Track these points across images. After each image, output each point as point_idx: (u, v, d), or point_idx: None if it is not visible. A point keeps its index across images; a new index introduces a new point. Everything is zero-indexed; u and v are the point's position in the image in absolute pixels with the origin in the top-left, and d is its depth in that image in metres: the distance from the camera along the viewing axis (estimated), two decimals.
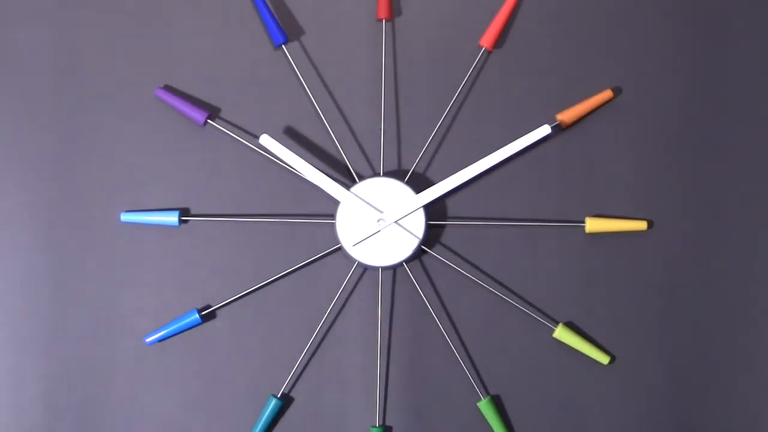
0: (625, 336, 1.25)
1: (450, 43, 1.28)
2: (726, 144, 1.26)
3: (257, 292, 1.25)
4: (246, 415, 1.24)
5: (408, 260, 1.23)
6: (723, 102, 1.27)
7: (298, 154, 1.21)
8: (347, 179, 1.26)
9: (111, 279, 1.25)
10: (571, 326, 1.25)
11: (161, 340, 1.24)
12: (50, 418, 1.24)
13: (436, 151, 1.27)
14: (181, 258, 1.25)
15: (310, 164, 1.21)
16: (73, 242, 1.25)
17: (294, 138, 1.27)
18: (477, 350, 1.25)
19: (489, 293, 1.24)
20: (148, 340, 1.23)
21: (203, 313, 1.24)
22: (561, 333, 1.23)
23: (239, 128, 1.26)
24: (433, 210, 1.25)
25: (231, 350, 1.24)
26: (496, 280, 1.25)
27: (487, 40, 1.26)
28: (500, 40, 1.27)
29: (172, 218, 1.24)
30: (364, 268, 1.25)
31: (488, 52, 1.27)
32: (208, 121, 1.25)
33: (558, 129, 1.26)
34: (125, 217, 1.24)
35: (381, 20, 1.27)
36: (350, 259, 1.24)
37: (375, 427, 1.23)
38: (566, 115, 1.25)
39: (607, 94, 1.25)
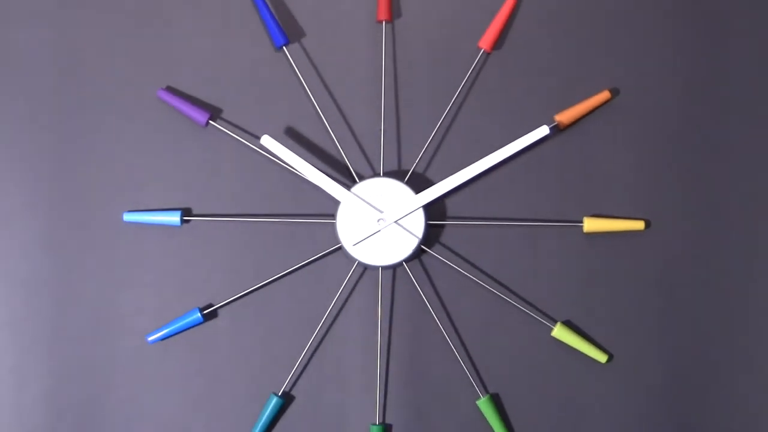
0: (623, 335, 1.25)
1: (449, 44, 1.28)
2: (724, 144, 1.26)
3: (258, 291, 1.25)
4: (247, 413, 1.24)
5: (408, 260, 1.24)
6: (721, 102, 1.27)
7: (298, 155, 1.21)
8: (347, 179, 1.26)
9: (113, 278, 1.25)
10: (569, 325, 1.25)
11: (163, 339, 1.24)
12: (52, 417, 1.24)
13: (435, 152, 1.27)
14: (182, 257, 1.25)
15: (311, 164, 1.21)
16: (75, 242, 1.25)
17: (295, 138, 1.27)
18: (476, 349, 1.25)
19: (488, 292, 1.25)
20: (150, 339, 1.23)
21: (205, 312, 1.24)
22: (559, 332, 1.23)
23: (240, 129, 1.27)
24: (433, 210, 1.25)
25: (232, 349, 1.25)
26: (495, 280, 1.25)
27: (486, 42, 1.26)
28: (499, 42, 1.28)
29: (173, 218, 1.24)
30: (365, 268, 1.26)
31: (487, 54, 1.27)
32: (210, 121, 1.25)
33: (556, 130, 1.26)
34: (127, 217, 1.24)
35: (381, 22, 1.27)
36: (350, 259, 1.24)
37: (375, 425, 1.23)
38: (564, 116, 1.25)
39: (605, 95, 1.25)
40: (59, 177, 1.26)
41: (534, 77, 1.27)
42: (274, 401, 1.22)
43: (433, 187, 1.22)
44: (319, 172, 1.20)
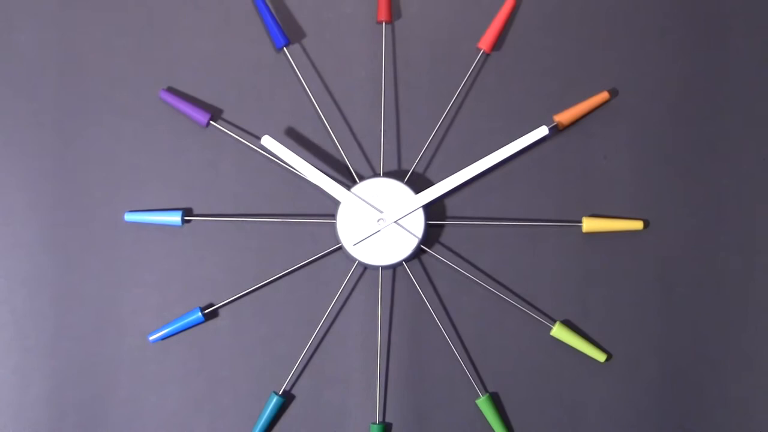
0: (622, 334, 1.25)
1: (449, 45, 1.28)
2: (722, 144, 1.27)
3: (259, 290, 1.25)
4: (248, 412, 1.24)
5: (407, 259, 1.24)
6: (718, 103, 1.27)
7: (299, 155, 1.21)
8: (348, 179, 1.26)
9: (114, 278, 1.25)
10: (568, 324, 1.25)
11: (164, 338, 1.24)
12: (55, 415, 1.24)
13: (435, 152, 1.27)
14: (183, 257, 1.25)
15: (311, 165, 1.21)
16: (77, 242, 1.25)
17: (295, 139, 1.27)
18: (475, 348, 1.25)
19: (487, 292, 1.25)
20: (152, 338, 1.23)
21: (206, 311, 1.24)
22: (558, 331, 1.23)
23: (241, 129, 1.27)
24: (433, 210, 1.25)
25: (233, 348, 1.25)
26: (494, 279, 1.26)
27: (485, 43, 1.27)
28: (498, 43, 1.28)
29: (175, 218, 1.24)
30: (365, 268, 1.26)
31: (486, 55, 1.28)
32: (211, 122, 1.26)
33: (555, 130, 1.26)
34: (129, 216, 1.24)
35: (381, 23, 1.27)
36: (351, 259, 1.24)
37: (375, 423, 1.23)
38: (564, 117, 1.25)
39: (603, 96, 1.26)
40: (61, 177, 1.26)
41: (533, 78, 1.28)
42: (274, 400, 1.23)
43: (432, 187, 1.22)
44: (320, 172, 1.21)
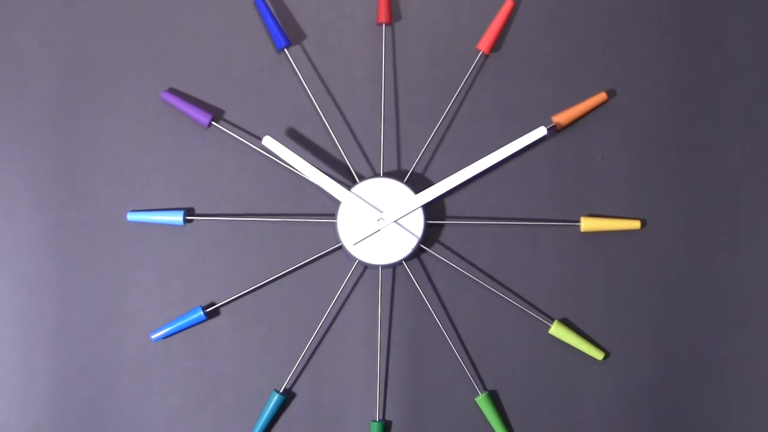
0: (619, 332, 1.25)
1: (448, 46, 1.28)
2: (718, 144, 1.27)
3: (260, 289, 1.25)
4: (249, 410, 1.24)
5: (407, 259, 1.24)
6: (715, 103, 1.27)
7: (300, 155, 1.21)
8: (348, 180, 1.27)
9: (117, 277, 1.25)
10: (566, 323, 1.25)
11: (166, 336, 1.24)
12: (58, 413, 1.25)
13: (434, 152, 1.27)
14: (185, 256, 1.25)
15: (312, 165, 1.21)
16: (80, 241, 1.26)
17: (296, 139, 1.27)
18: (475, 346, 1.25)
19: (486, 291, 1.25)
20: (154, 336, 1.24)
21: (207, 310, 1.24)
22: (556, 330, 1.23)
23: (242, 130, 1.27)
24: (432, 209, 1.26)
25: (234, 347, 1.25)
26: (493, 278, 1.26)
27: (484, 44, 1.27)
28: (497, 44, 1.28)
29: (177, 218, 1.24)
30: (365, 267, 1.26)
31: (485, 56, 1.28)
32: (212, 122, 1.26)
33: (554, 130, 1.26)
34: (131, 216, 1.25)
35: (381, 24, 1.28)
36: (351, 258, 1.24)
37: (375, 421, 1.23)
38: (562, 117, 1.25)
39: (601, 97, 1.26)
40: (64, 177, 1.27)
41: (531, 79, 1.28)
42: (275, 398, 1.23)
43: (432, 187, 1.22)
44: (320, 172, 1.21)
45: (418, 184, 1.25)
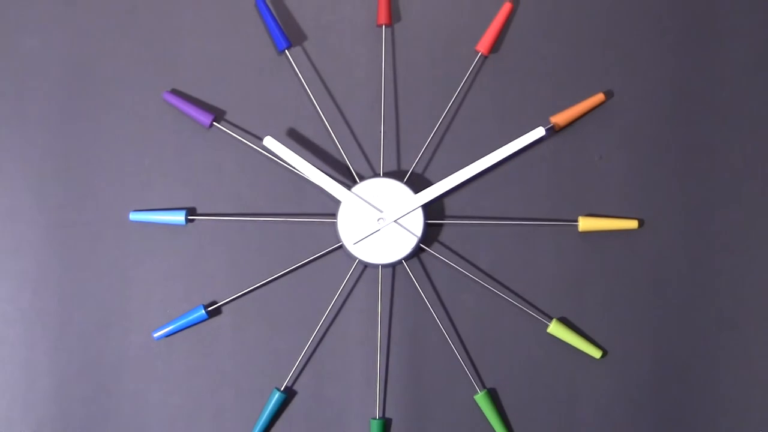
0: (618, 331, 1.25)
1: (448, 47, 1.28)
2: (716, 145, 1.27)
3: (261, 288, 1.25)
4: (249, 408, 1.24)
5: (407, 258, 1.24)
6: (712, 104, 1.28)
7: (300, 156, 1.21)
8: (348, 180, 1.27)
9: (119, 276, 1.26)
10: (564, 322, 1.25)
11: (168, 335, 1.24)
12: (61, 411, 1.25)
13: (434, 153, 1.27)
14: (187, 256, 1.26)
15: (312, 165, 1.21)
16: (83, 241, 1.26)
17: (296, 140, 1.28)
18: (474, 345, 1.25)
19: (485, 290, 1.25)
20: (156, 335, 1.24)
21: (209, 309, 1.24)
22: (555, 328, 1.24)
23: (243, 130, 1.27)
24: (432, 209, 1.26)
25: (236, 345, 1.25)
26: (492, 278, 1.26)
27: (483, 46, 1.27)
28: (496, 46, 1.28)
29: (179, 217, 1.24)
30: (365, 266, 1.26)
31: (484, 57, 1.28)
32: (214, 123, 1.26)
33: (552, 131, 1.27)
34: (134, 216, 1.25)
35: (381, 26, 1.28)
36: (351, 257, 1.25)
37: (375, 419, 1.24)
38: (560, 118, 1.26)
39: (599, 98, 1.26)
40: (67, 177, 1.27)
41: (530, 80, 1.28)
42: (276, 396, 1.23)
43: (431, 187, 1.22)
44: (321, 172, 1.21)
45: (417, 184, 1.26)
